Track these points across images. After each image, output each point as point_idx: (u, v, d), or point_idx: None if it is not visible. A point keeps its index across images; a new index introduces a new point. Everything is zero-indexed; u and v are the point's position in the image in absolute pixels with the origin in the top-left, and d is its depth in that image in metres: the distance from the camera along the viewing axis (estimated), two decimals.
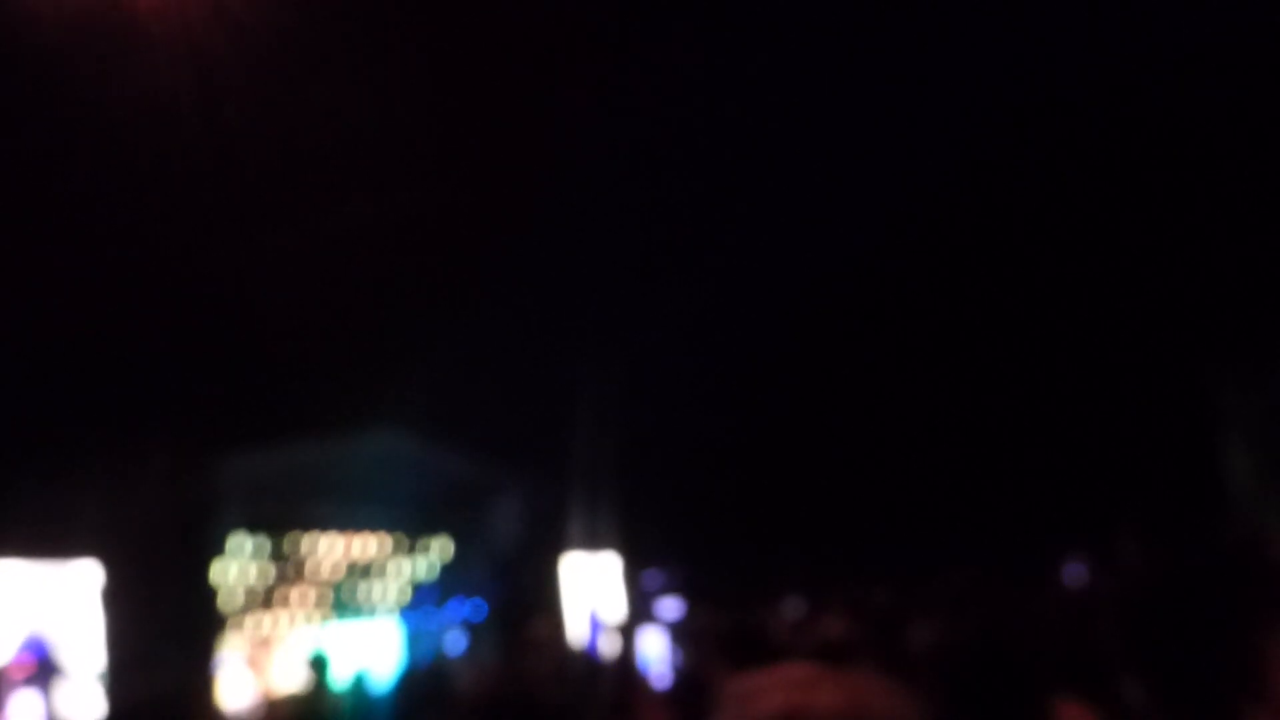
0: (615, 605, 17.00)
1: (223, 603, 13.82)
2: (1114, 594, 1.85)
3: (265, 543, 14.88)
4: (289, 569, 15.29)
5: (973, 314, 16.44)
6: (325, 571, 15.88)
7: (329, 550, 15.94)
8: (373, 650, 14.75)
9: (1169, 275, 14.73)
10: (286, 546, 15.24)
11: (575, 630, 15.41)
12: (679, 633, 15.39)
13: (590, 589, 17.20)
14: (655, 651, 14.63)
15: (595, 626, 16.15)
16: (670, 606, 15.44)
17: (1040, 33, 12.32)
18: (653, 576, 15.59)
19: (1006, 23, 12.14)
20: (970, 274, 16.15)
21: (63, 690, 10.11)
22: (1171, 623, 1.70)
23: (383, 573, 16.85)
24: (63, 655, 10.27)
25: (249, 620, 14.51)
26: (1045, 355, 16.48)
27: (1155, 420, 15.16)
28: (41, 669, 9.87)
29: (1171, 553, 1.80)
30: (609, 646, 7.19)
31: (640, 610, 15.81)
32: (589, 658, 5.68)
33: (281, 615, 15.07)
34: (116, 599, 10.98)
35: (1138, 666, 1.72)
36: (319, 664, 7.05)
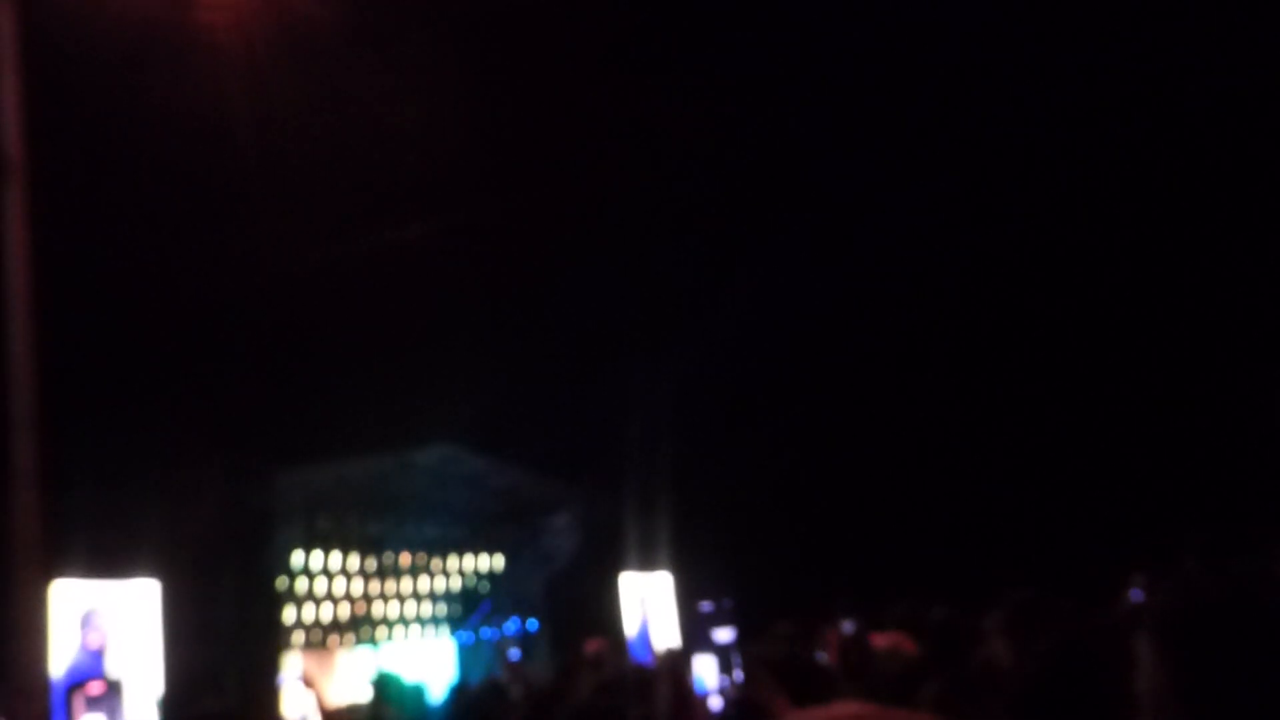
0: (669, 627, 16.90)
1: (281, 619, 13.91)
2: (1158, 617, 1.79)
3: (323, 559, 14.97)
4: (346, 585, 15.36)
5: (1035, 333, 16.23)
6: (382, 586, 15.94)
7: (386, 565, 16.01)
8: (427, 665, 14.79)
9: (1238, 294, 14.46)
10: (343, 562, 15.32)
11: (630, 649, 15.34)
12: (732, 658, 15.30)
13: (645, 608, 17.11)
14: (708, 676, 14.55)
15: (648, 647, 16.07)
16: (723, 631, 15.33)
17: (1097, 39, 12.18)
18: (706, 600, 15.50)
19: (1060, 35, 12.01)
20: (1030, 295, 15.96)
21: (130, 710, 10.22)
22: (1193, 644, 1.66)
23: (439, 587, 16.89)
24: (126, 674, 10.37)
25: (307, 636, 14.59)
26: (1102, 374, 16.23)
27: (1220, 440, 14.85)
28: (111, 690, 9.98)
29: (1226, 577, 1.75)
30: (663, 668, 7.12)
31: (694, 633, 15.71)
32: (644, 678, 5.61)
33: (341, 630, 15.14)
34: (176, 617, 11.08)
35: (1165, 690, 1.68)
36: (381, 681, 7.07)
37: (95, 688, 9.58)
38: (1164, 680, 1.69)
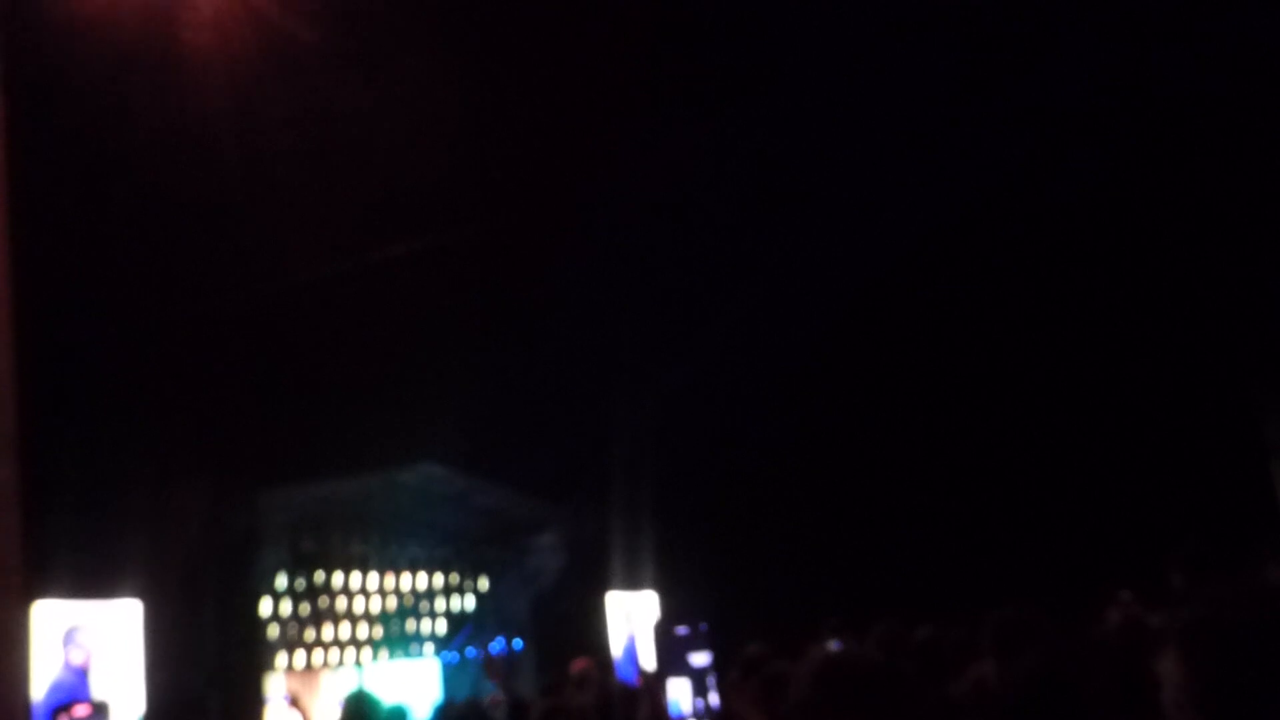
0: (649, 647, 16.87)
1: (265, 640, 13.82)
2: (1164, 629, 1.79)
3: (306, 580, 14.88)
4: (330, 606, 15.28)
5: (1019, 353, 16.29)
6: (365, 608, 15.86)
7: (369, 586, 15.93)
8: (412, 686, 14.71)
9: (1216, 304, 14.54)
10: (327, 583, 15.23)
11: (615, 668, 15.30)
12: (707, 682, 15.28)
13: (631, 628, 17.09)
14: (683, 699, 14.52)
15: (633, 665, 16.04)
16: (699, 655, 15.28)
17: (1101, 43, 12.26)
18: (683, 624, 15.46)
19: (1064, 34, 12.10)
20: (1013, 307, 16.01)
21: None
22: (1225, 657, 1.65)
23: (422, 608, 16.82)
24: (110, 695, 10.30)
25: (291, 657, 14.50)
26: (1089, 386, 16.29)
27: (1202, 451, 14.92)
28: (97, 711, 9.90)
29: (1221, 586, 1.75)
30: (645, 688, 7.14)
31: (669, 656, 15.67)
32: (629, 696, 5.61)
33: (323, 652, 15.05)
34: (159, 637, 11.01)
35: (1193, 703, 1.67)
36: (360, 701, 6.99)
37: (81, 709, 9.51)
38: (1192, 694, 1.69)
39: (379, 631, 16.00)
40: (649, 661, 15.66)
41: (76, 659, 10.45)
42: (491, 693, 15.31)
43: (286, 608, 14.57)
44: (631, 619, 17.18)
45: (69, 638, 10.40)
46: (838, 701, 2.42)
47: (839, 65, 11.98)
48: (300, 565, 14.77)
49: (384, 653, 15.96)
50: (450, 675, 16.39)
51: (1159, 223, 14.39)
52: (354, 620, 15.64)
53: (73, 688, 10.30)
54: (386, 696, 7.00)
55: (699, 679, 14.97)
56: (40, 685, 10.03)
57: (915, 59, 12.20)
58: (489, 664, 15.80)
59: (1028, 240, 15.05)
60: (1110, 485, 15.48)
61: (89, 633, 10.58)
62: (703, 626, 15.30)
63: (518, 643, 16.99)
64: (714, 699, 14.16)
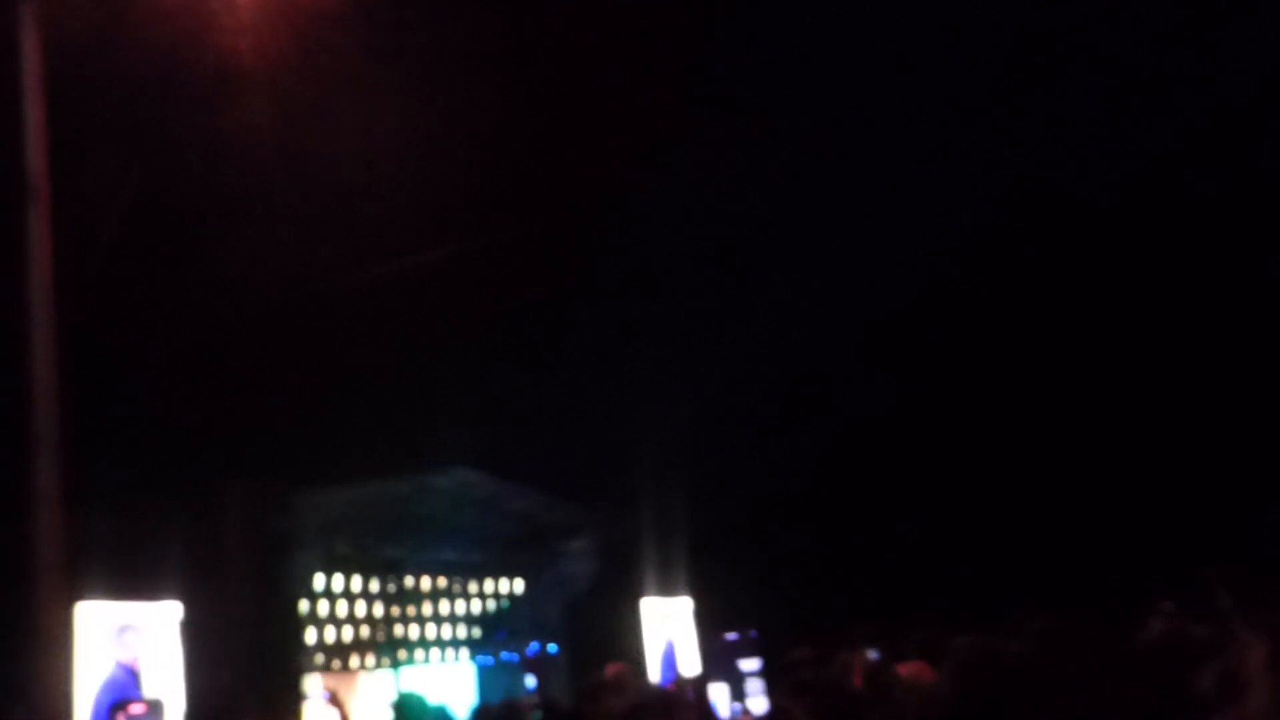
0: (688, 651, 16.85)
1: (302, 641, 13.89)
2: (1208, 641, 1.76)
3: (342, 581, 14.95)
4: (367, 607, 15.35)
5: (1063, 360, 16.14)
6: (402, 609, 15.91)
7: (405, 588, 15.99)
8: (447, 689, 14.74)
9: (1267, 317, 14.36)
10: (366, 585, 15.31)
11: (651, 674, 15.27)
12: (746, 686, 15.28)
13: (667, 634, 17.05)
14: (721, 703, 14.56)
15: (671, 670, 16.00)
16: (749, 661, 15.33)
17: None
18: (732, 630, 15.48)
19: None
20: (1058, 317, 15.88)
21: None
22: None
23: (456, 612, 16.85)
24: (157, 694, 10.42)
25: (327, 658, 14.57)
26: (1128, 401, 16.12)
27: (1247, 464, 14.71)
28: (152, 709, 10.02)
29: (1265, 600, 1.72)
30: (684, 693, 7.11)
31: (713, 660, 15.68)
32: (666, 701, 5.59)
33: (360, 653, 15.12)
34: (197, 638, 11.10)
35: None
36: (402, 703, 7.02)
37: (137, 707, 9.63)
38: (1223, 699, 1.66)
39: (414, 634, 16.05)
40: (689, 667, 15.66)
41: (126, 657, 10.56)
42: (528, 694, 15.34)
43: (322, 609, 14.65)
44: (667, 624, 17.14)
45: (119, 636, 10.52)
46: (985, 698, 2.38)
47: (868, 76, 11.95)
48: (336, 567, 14.84)
49: (419, 655, 16.01)
50: (484, 678, 16.42)
51: (1212, 236, 14.24)
52: (389, 623, 15.69)
53: (124, 685, 10.42)
54: (426, 697, 7.02)
55: (737, 683, 15.02)
56: (93, 683, 10.16)
57: (943, 71, 12.15)
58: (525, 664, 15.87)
59: (1076, 250, 14.92)
60: (1153, 495, 15.30)
61: (138, 632, 10.69)
62: (753, 633, 15.31)
63: (552, 647, 16.99)
64: (757, 703, 14.28)
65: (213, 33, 7.52)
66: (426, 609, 16.34)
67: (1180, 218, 14.26)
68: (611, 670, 7.20)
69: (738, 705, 15.09)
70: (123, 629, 10.49)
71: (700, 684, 9.66)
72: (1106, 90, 12.64)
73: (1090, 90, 12.52)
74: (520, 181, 11.47)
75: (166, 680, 10.79)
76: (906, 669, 5.25)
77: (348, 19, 8.40)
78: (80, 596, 9.77)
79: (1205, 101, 12.66)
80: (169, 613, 11.08)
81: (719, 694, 14.58)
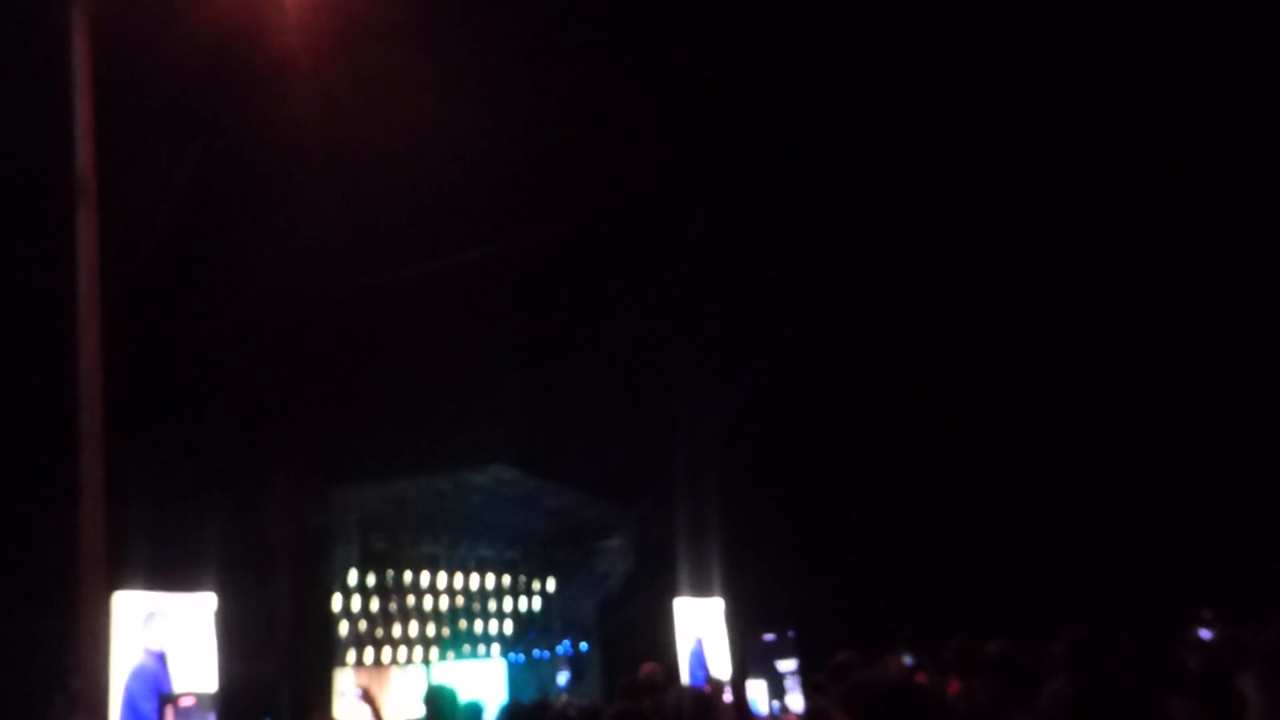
0: (722, 652, 16.86)
1: (335, 635, 13.99)
2: (1264, 650, 1.74)
3: (377, 577, 15.05)
4: (401, 602, 15.43)
5: (1105, 366, 16.00)
6: (434, 606, 15.99)
7: (438, 585, 16.06)
8: (479, 685, 14.79)
9: None
10: (398, 581, 15.39)
11: (685, 673, 15.27)
12: (786, 684, 15.37)
13: (699, 634, 17.04)
14: (760, 700, 14.61)
15: (704, 671, 15.99)
16: (786, 662, 15.45)
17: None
18: (770, 630, 15.56)
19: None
20: (1099, 327, 15.75)
21: None
22: None
23: (489, 608, 16.91)
24: (189, 684, 10.52)
25: (360, 653, 14.67)
26: (1172, 409, 15.94)
27: None
28: (200, 703, 10.14)
29: None
30: (721, 694, 7.12)
31: (751, 659, 15.74)
32: (702, 702, 5.58)
33: (391, 649, 15.20)
34: (232, 630, 11.20)
35: None
36: (434, 696, 7.05)
37: (187, 699, 9.75)
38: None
39: (446, 630, 16.12)
40: (719, 667, 15.67)
41: (154, 645, 10.66)
42: (560, 692, 15.38)
43: (357, 604, 14.75)
44: (699, 624, 17.14)
45: (147, 624, 10.62)
46: None
47: (903, 88, 11.91)
48: (371, 563, 14.93)
49: (451, 652, 16.08)
50: (516, 676, 16.47)
51: (1236, 251, 14.08)
52: (422, 618, 15.77)
53: (155, 674, 10.52)
54: (458, 692, 7.05)
55: (777, 682, 15.18)
56: (123, 670, 10.27)
57: (977, 88, 12.10)
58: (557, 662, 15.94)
59: (1106, 265, 14.80)
60: (1196, 505, 15.12)
61: (166, 619, 10.78)
62: (790, 634, 15.43)
63: (584, 645, 17.03)
64: (795, 701, 14.47)
65: (257, 31, 7.59)
66: (460, 605, 16.41)
67: (1212, 229, 14.12)
68: (645, 670, 7.21)
69: (776, 703, 15.18)
70: (150, 616, 10.57)
71: (738, 683, 9.68)
72: (1128, 100, 12.53)
73: (1117, 99, 12.42)
74: (562, 179, 11.50)
75: (198, 670, 10.88)
76: (924, 679, 5.22)
77: (391, 16, 8.46)
78: (119, 586, 9.87)
79: (1218, 111, 12.51)
80: (204, 603, 11.18)
81: (759, 692, 14.72)
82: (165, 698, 9.40)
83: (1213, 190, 13.65)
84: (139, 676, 10.37)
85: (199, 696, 9.96)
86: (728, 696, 6.39)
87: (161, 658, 10.72)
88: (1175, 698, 3.53)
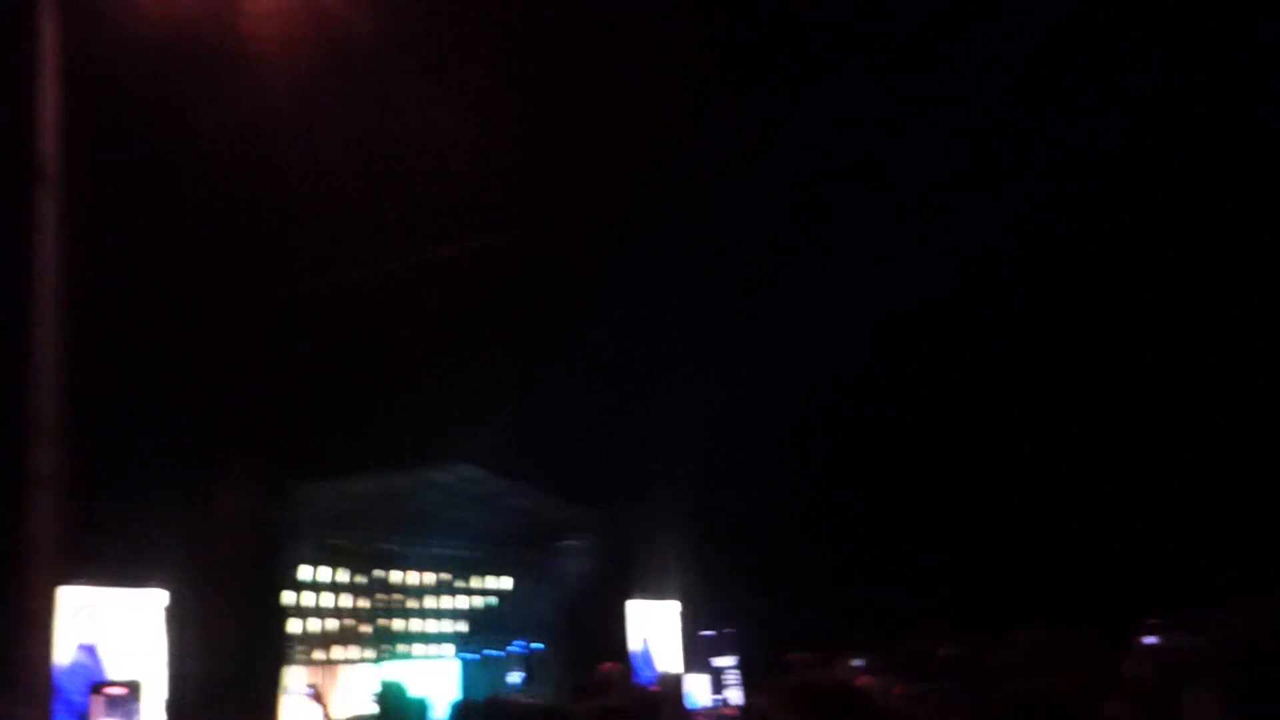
0: (673, 653, 16.99)
1: (288, 632, 13.88)
2: (1211, 654, 1.79)
3: (334, 573, 14.95)
4: (357, 600, 15.35)
5: (1056, 374, 16.19)
6: (392, 603, 15.91)
7: (396, 582, 15.98)
8: (431, 683, 14.75)
9: (1255, 338, 14.41)
10: (355, 578, 15.30)
11: (637, 673, 15.33)
12: (724, 679, 15.70)
13: (649, 634, 17.12)
14: (702, 694, 14.90)
15: (652, 669, 16.08)
16: (724, 659, 15.77)
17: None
18: (709, 629, 15.78)
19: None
20: (1050, 338, 15.94)
21: (146, 714, 10.25)
22: (1255, 690, 1.65)
23: (445, 606, 16.85)
24: (138, 680, 10.41)
25: (313, 650, 14.57)
26: (1121, 420, 16.16)
27: (1239, 483, 14.76)
28: (131, 692, 10.02)
29: (1255, 621, 1.74)
30: (666, 691, 7.20)
31: (692, 654, 15.96)
32: (649, 700, 5.64)
33: (348, 645, 15.11)
34: (184, 626, 11.10)
35: None
36: (385, 693, 7.07)
37: (115, 689, 9.63)
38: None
39: (399, 627, 16.06)
40: (669, 664, 15.84)
41: (86, 639, 10.55)
42: (515, 691, 15.37)
43: (309, 601, 14.65)
44: (649, 625, 17.24)
45: (75, 618, 10.48)
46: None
47: (886, 87, 11.99)
48: (325, 559, 14.84)
49: (403, 649, 16.02)
50: (469, 674, 16.42)
51: (1204, 247, 14.29)
52: (377, 616, 15.70)
53: (88, 667, 10.41)
54: (409, 688, 7.07)
55: (718, 677, 15.52)
56: (59, 666, 10.15)
57: (959, 87, 12.20)
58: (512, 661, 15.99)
59: (1063, 274, 14.98)
60: (1145, 515, 15.34)
61: (94, 612, 10.65)
62: (729, 631, 15.72)
63: (539, 645, 17.01)
64: (734, 695, 14.83)
65: (241, 17, 7.53)
66: (414, 603, 16.34)
67: (1201, 234, 14.33)
68: (604, 668, 7.24)
69: (719, 697, 15.46)
70: (77, 610, 10.47)
71: (676, 680, 9.79)
72: (1126, 98, 12.69)
73: (1111, 99, 12.57)
74: (530, 182, 11.49)
75: (140, 665, 10.77)
76: (870, 681, 5.27)
77: (374, 8, 8.41)
78: (69, 580, 9.76)
79: (1220, 114, 12.71)
80: (153, 599, 11.07)
81: (700, 686, 15.01)
82: (95, 687, 9.29)
83: (1205, 196, 13.85)
84: (72, 671, 10.26)
85: (129, 686, 9.85)
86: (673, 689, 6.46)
87: (93, 650, 10.61)
88: (1111, 702, 3.60)
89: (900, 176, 12.98)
